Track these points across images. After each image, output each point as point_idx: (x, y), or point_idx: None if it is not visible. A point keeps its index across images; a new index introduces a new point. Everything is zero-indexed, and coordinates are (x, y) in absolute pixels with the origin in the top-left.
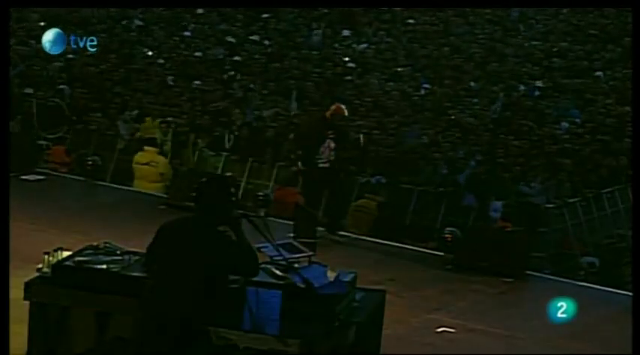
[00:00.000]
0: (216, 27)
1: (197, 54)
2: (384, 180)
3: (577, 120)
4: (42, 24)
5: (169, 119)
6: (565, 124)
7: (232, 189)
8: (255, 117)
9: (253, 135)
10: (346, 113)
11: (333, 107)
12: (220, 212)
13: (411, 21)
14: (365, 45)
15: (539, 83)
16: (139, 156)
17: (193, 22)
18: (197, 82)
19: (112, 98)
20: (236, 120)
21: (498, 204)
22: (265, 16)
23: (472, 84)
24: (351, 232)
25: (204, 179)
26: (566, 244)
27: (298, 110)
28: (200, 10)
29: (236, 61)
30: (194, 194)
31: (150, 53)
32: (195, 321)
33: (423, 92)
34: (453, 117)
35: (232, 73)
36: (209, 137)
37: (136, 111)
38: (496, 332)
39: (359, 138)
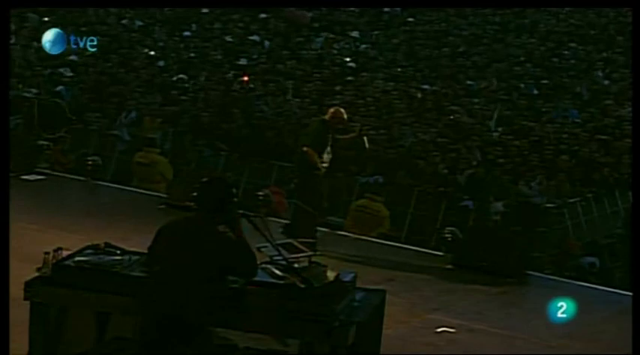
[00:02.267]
0: (215, 28)
1: (194, 54)
2: (382, 180)
3: (576, 120)
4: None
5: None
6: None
7: (233, 189)
8: (256, 117)
9: (254, 135)
10: (345, 116)
11: (331, 110)
12: (221, 212)
13: (410, 19)
14: (366, 45)
15: (541, 82)
16: (139, 157)
17: (194, 22)
18: (193, 82)
19: (111, 98)
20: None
21: (498, 205)
22: (263, 16)
23: (470, 83)
24: (350, 232)
25: (204, 179)
26: (566, 244)
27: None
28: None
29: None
30: (194, 194)
31: (152, 53)
32: (195, 321)
33: (420, 95)
34: (452, 117)
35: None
36: (209, 136)
37: (134, 113)
38: (496, 332)
39: (363, 142)
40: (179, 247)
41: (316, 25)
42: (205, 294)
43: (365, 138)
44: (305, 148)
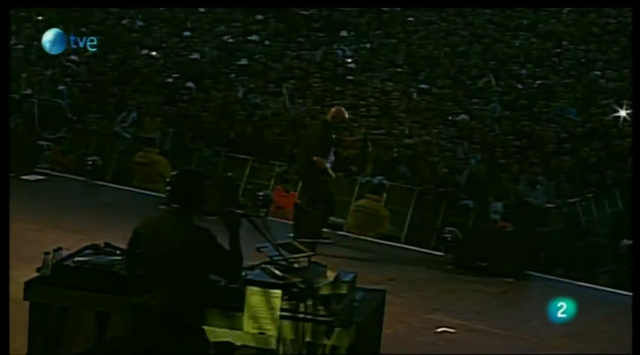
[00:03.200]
0: (216, 30)
1: (195, 56)
2: (384, 181)
3: (575, 119)
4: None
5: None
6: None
7: (204, 180)
8: (258, 117)
9: (255, 135)
10: (347, 115)
11: (333, 110)
12: (193, 205)
13: (411, 19)
14: (368, 45)
15: (538, 82)
16: (138, 157)
17: (193, 22)
18: (190, 84)
19: (110, 98)
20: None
21: (498, 205)
22: (260, 17)
23: (469, 83)
24: (350, 232)
25: (173, 172)
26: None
27: (292, 106)
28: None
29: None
30: (167, 188)
31: (154, 53)
32: (186, 319)
33: (416, 96)
34: (450, 117)
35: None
36: (209, 137)
37: (134, 114)
38: (496, 332)
39: (367, 146)
40: (157, 245)
41: (316, 25)
42: (192, 292)
43: (369, 143)
44: (315, 158)
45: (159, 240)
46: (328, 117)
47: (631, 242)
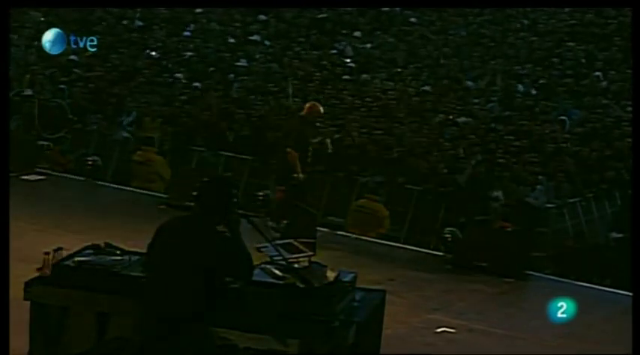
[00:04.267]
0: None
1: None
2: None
3: (574, 117)
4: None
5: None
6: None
7: (234, 190)
8: (258, 117)
9: (254, 135)
10: (322, 110)
11: (308, 105)
12: (221, 212)
13: (413, 19)
14: (369, 45)
15: (538, 83)
16: (136, 156)
17: (193, 22)
18: (197, 84)
19: (110, 98)
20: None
21: (499, 193)
22: (262, 18)
23: (470, 83)
24: (350, 232)
25: (206, 179)
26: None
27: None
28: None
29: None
30: (195, 193)
31: (153, 53)
32: (195, 320)
33: (416, 96)
34: (451, 117)
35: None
36: (209, 136)
37: (134, 113)
38: (496, 332)
39: (327, 145)
40: (177, 246)
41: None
42: (204, 293)
43: (328, 140)
44: (288, 149)
45: (180, 242)
46: (303, 113)
47: (620, 235)
